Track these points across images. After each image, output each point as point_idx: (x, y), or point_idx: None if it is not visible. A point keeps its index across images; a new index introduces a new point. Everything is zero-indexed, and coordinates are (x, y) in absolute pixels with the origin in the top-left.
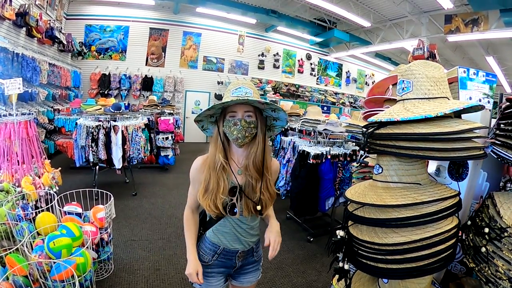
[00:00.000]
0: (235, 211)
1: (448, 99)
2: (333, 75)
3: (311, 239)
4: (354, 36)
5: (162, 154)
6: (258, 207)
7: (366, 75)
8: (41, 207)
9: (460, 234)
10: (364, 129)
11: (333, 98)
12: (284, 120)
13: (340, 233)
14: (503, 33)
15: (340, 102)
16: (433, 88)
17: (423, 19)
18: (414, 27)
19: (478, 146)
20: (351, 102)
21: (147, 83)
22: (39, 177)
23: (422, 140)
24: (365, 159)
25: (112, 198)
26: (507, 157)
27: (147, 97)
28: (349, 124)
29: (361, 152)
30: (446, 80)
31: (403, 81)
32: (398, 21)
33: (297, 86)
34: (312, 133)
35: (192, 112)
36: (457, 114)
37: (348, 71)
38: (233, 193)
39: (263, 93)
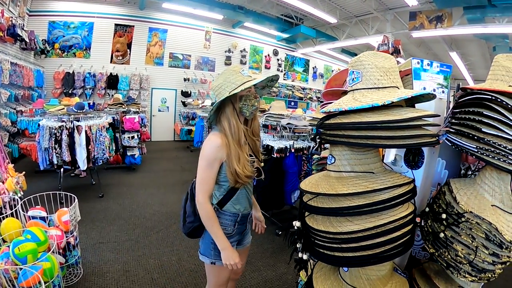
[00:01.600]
0: (257, 170)
1: (398, 88)
2: (300, 71)
3: (280, 233)
4: (321, 32)
5: (129, 153)
6: (261, 164)
7: (332, 71)
8: (6, 213)
9: (418, 221)
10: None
11: (301, 93)
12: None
13: (296, 223)
14: (466, 30)
15: (307, 97)
16: (382, 78)
17: (388, 16)
18: (380, 24)
19: (428, 133)
20: (318, 97)
21: (112, 81)
22: (3, 182)
23: (370, 129)
24: (321, 151)
25: (76, 200)
26: (461, 145)
27: (112, 95)
28: (313, 118)
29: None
30: (396, 70)
31: (353, 71)
32: (364, 17)
33: None
34: (277, 128)
35: (159, 110)
36: (411, 104)
37: (315, 67)
38: (251, 158)
39: None
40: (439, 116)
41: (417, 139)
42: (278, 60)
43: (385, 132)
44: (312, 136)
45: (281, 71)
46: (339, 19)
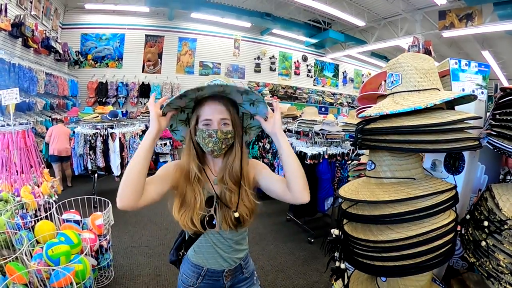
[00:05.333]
0: (213, 223)
1: (439, 90)
2: (330, 76)
3: (312, 240)
4: (349, 36)
5: (161, 160)
6: (236, 214)
7: (363, 75)
8: (41, 216)
9: (459, 229)
10: (357, 126)
11: (331, 98)
12: (263, 113)
13: (335, 231)
14: (497, 27)
15: (338, 102)
16: (422, 80)
17: (417, 16)
18: (409, 25)
19: (472, 137)
20: (349, 102)
21: (144, 90)
22: (38, 186)
23: (412, 133)
24: (359, 156)
25: (110, 205)
26: (503, 148)
27: (144, 104)
28: (346, 123)
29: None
30: (436, 72)
31: (392, 74)
32: (392, 19)
33: (294, 88)
34: (310, 134)
35: None
36: (451, 106)
37: (345, 71)
38: (210, 204)
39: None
40: (481, 118)
41: (461, 143)
42: (307, 66)
43: (428, 136)
44: (352, 142)
45: (311, 77)
46: (367, 22)
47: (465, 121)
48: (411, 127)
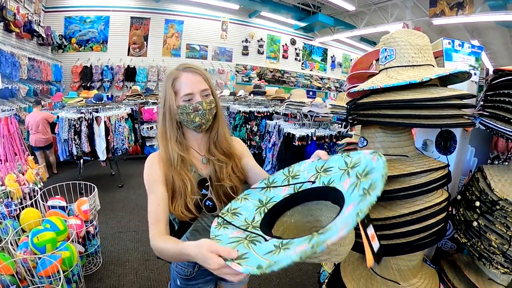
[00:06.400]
0: (210, 205)
1: (433, 67)
2: (318, 60)
3: None
4: (339, 20)
5: (148, 144)
6: (229, 184)
7: (351, 60)
8: (26, 204)
9: (450, 209)
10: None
11: (319, 83)
12: None
13: None
14: (488, 17)
15: (326, 86)
16: (417, 56)
17: (408, 2)
18: (399, 11)
19: (466, 114)
20: (337, 87)
21: (130, 74)
22: (23, 174)
23: (407, 108)
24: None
25: (96, 190)
26: (496, 128)
27: (130, 87)
28: (334, 105)
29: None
30: (430, 49)
31: (386, 49)
32: (383, 4)
33: (282, 71)
34: (298, 116)
35: None
36: (443, 86)
37: (333, 56)
38: (203, 187)
39: (248, 79)
40: (475, 96)
41: (455, 119)
42: (295, 49)
43: (423, 111)
44: (343, 118)
45: (299, 61)
46: (358, 7)
47: (461, 99)
48: (406, 101)
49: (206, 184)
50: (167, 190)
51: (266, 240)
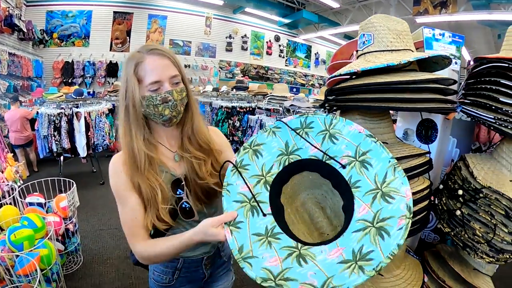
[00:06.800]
0: (188, 208)
1: (412, 51)
2: (302, 57)
3: None
4: (323, 17)
5: None
6: (211, 181)
7: None
8: (4, 201)
9: (432, 200)
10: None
11: (303, 80)
12: None
13: None
14: (471, 16)
15: (310, 83)
16: (395, 41)
17: (392, 0)
18: (383, 9)
19: (446, 99)
20: (321, 84)
21: (112, 69)
22: (2, 172)
23: (385, 91)
24: None
25: (75, 186)
26: (477, 115)
27: (112, 83)
28: (317, 100)
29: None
30: (409, 34)
31: (364, 34)
32: (367, 2)
33: (266, 68)
34: (280, 111)
35: None
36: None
37: (317, 53)
38: (178, 187)
39: (232, 76)
40: (456, 82)
41: (436, 104)
42: (280, 46)
43: (402, 94)
44: (321, 104)
45: (283, 57)
46: (342, 4)
47: (441, 85)
48: (384, 83)
49: (182, 184)
50: (139, 196)
51: (264, 215)
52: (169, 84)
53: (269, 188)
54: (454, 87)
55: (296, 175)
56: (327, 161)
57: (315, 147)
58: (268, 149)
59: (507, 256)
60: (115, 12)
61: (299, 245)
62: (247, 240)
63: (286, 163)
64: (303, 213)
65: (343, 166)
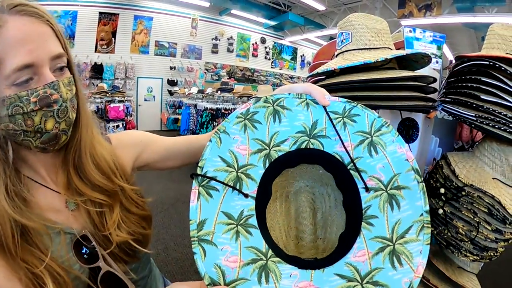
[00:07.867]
0: (115, 274)
1: (391, 50)
2: (288, 59)
3: None
4: (309, 20)
5: None
6: (128, 238)
7: None
8: None
9: None
10: None
11: (289, 82)
12: None
13: None
14: (455, 19)
15: None
16: (374, 39)
17: (377, 3)
18: (368, 11)
19: (426, 96)
20: None
21: (97, 71)
22: None
23: (363, 89)
24: None
25: None
26: (458, 113)
27: (97, 85)
28: None
29: None
30: (388, 33)
31: (342, 33)
32: (353, 5)
33: (252, 70)
34: None
35: (145, 100)
36: None
37: (303, 55)
38: (85, 250)
39: (217, 78)
40: (435, 80)
41: (415, 101)
42: (265, 48)
43: (380, 92)
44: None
45: (269, 59)
46: (328, 7)
47: (420, 83)
48: (361, 81)
49: (92, 245)
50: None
51: (246, 196)
52: (50, 71)
53: (267, 164)
54: (436, 85)
55: (306, 164)
56: (350, 170)
57: (345, 148)
58: (291, 119)
59: (491, 254)
60: (100, 13)
61: (270, 253)
62: (213, 215)
63: (303, 146)
64: (290, 204)
65: (367, 189)
